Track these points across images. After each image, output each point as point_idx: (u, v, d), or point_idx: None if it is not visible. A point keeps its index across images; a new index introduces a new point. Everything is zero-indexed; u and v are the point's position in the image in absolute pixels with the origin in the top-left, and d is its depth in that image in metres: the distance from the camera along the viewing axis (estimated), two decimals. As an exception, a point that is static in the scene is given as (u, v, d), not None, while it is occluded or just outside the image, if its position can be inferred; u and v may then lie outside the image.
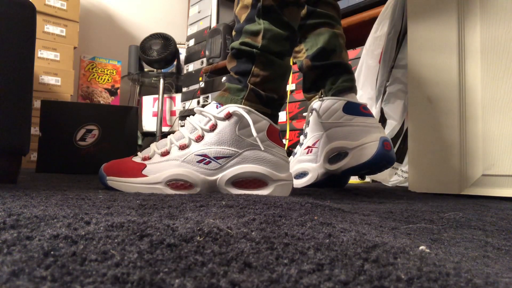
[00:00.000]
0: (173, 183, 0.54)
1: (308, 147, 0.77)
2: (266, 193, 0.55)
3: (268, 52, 0.58)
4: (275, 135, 0.57)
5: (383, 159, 0.64)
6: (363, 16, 1.33)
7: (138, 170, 0.55)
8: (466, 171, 0.79)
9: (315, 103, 0.75)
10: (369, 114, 0.69)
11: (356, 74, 1.14)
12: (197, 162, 0.55)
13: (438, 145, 0.83)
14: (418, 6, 0.88)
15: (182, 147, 0.55)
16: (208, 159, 0.55)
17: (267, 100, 0.58)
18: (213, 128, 0.55)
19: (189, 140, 0.55)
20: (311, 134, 0.77)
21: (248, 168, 0.55)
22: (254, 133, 0.54)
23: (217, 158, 0.55)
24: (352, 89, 0.74)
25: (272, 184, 0.56)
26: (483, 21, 0.78)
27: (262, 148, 0.55)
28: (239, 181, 0.55)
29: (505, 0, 0.75)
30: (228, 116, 0.55)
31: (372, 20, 1.14)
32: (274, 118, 0.60)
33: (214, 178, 0.55)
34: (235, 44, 0.59)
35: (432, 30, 0.85)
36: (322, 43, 0.76)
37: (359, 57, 1.16)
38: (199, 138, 0.55)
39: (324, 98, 0.72)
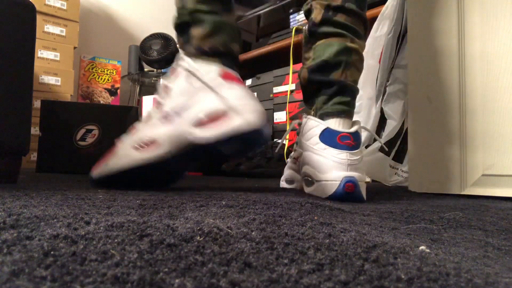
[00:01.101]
0: (139, 145, 0.57)
1: (295, 158, 0.76)
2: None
3: (197, 12, 0.61)
4: (230, 76, 0.57)
5: (343, 200, 0.58)
6: (363, 16, 1.33)
7: (110, 152, 0.61)
8: (466, 171, 0.79)
9: (304, 118, 0.70)
10: (346, 147, 0.61)
11: (356, 74, 1.14)
12: (161, 122, 0.58)
13: (438, 145, 0.83)
14: (418, 6, 0.88)
15: (146, 120, 0.60)
16: (169, 116, 0.57)
17: (212, 53, 0.60)
18: (168, 90, 0.59)
19: (151, 113, 0.60)
20: (297, 147, 0.73)
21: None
22: (200, 76, 0.57)
23: (176, 112, 0.57)
24: (342, 114, 0.64)
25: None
26: (483, 23, 0.78)
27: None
28: (201, 121, 0.55)
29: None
30: (176, 74, 0.59)
31: (372, 20, 1.14)
32: (228, 64, 0.59)
33: (176, 127, 0.56)
34: (173, 23, 0.64)
35: (432, 30, 0.85)
36: (326, 56, 0.67)
37: (359, 57, 1.16)
38: (159, 105, 0.59)
39: (309, 116, 0.66)
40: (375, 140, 1.03)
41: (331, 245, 0.25)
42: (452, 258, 0.26)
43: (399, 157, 1.04)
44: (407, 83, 0.91)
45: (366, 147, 1.02)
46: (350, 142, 0.60)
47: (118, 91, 2.33)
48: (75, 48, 1.98)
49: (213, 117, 0.54)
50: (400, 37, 1.03)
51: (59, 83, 1.90)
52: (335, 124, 0.62)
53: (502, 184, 0.74)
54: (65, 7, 1.93)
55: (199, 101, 0.56)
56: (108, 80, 2.29)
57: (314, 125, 0.63)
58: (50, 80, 1.87)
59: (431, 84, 0.84)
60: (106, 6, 2.44)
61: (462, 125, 0.80)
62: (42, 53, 1.87)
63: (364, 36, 0.70)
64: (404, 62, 1.02)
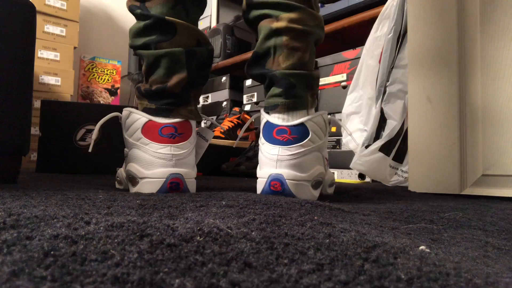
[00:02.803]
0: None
1: None
2: (134, 191, 0.57)
3: (136, 49, 0.60)
4: (152, 130, 0.56)
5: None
6: (363, 16, 1.33)
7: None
8: (466, 171, 0.79)
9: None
10: (279, 142, 0.55)
11: (356, 74, 1.14)
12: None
13: (438, 145, 0.83)
14: (418, 6, 0.88)
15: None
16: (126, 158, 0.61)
17: (149, 94, 0.58)
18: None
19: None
20: None
21: (128, 167, 0.58)
22: (124, 133, 0.59)
23: (125, 158, 0.61)
24: (276, 107, 0.57)
25: (140, 181, 0.56)
26: (483, 23, 0.78)
27: (138, 145, 0.57)
28: (130, 178, 0.58)
29: None
30: (122, 122, 0.60)
31: (372, 20, 1.14)
32: (165, 111, 0.57)
33: (123, 175, 0.61)
34: None
35: (432, 29, 0.85)
36: (256, 46, 0.60)
37: (359, 57, 1.16)
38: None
39: (261, 108, 0.62)
40: (375, 139, 1.03)
41: (331, 245, 0.25)
42: (452, 258, 0.26)
43: (399, 157, 1.04)
44: (407, 83, 0.91)
45: (366, 147, 1.02)
46: (282, 137, 0.55)
47: (118, 91, 2.33)
48: (75, 48, 1.98)
49: (131, 179, 0.58)
50: (400, 37, 1.03)
51: (59, 83, 1.90)
52: (273, 117, 0.57)
53: (502, 184, 0.74)
54: (65, 7, 1.93)
55: (131, 157, 0.58)
56: (108, 80, 2.28)
57: (261, 118, 0.60)
58: (50, 80, 1.87)
59: (431, 84, 0.85)
60: (106, 6, 2.44)
61: (462, 125, 0.80)
62: (42, 53, 1.87)
63: (302, 3, 0.58)
64: (404, 62, 1.02)
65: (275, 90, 0.58)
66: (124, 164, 0.62)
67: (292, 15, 0.57)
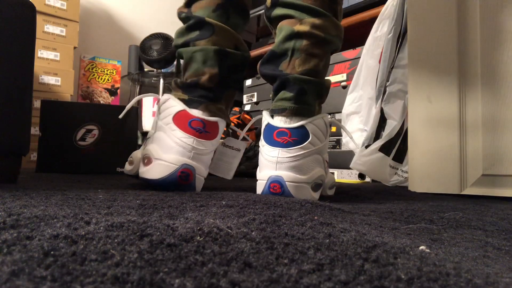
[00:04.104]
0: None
1: None
2: (144, 169, 0.58)
3: (177, 47, 0.64)
4: (182, 120, 0.58)
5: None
6: (363, 16, 1.33)
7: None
8: (466, 171, 0.79)
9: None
10: (279, 144, 0.55)
11: (356, 74, 1.14)
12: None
13: (438, 145, 0.83)
14: (418, 6, 0.88)
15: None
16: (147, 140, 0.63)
17: (184, 86, 0.62)
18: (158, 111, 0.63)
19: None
20: None
21: (148, 147, 0.60)
22: (156, 116, 0.61)
23: (146, 139, 0.64)
24: (283, 112, 0.56)
25: (154, 161, 0.58)
26: (483, 23, 0.78)
27: (165, 128, 0.58)
28: (145, 157, 0.60)
29: None
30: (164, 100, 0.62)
31: (372, 20, 1.14)
32: (196, 103, 0.60)
33: (139, 156, 0.62)
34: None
35: (432, 29, 0.85)
36: (274, 45, 0.60)
37: (359, 57, 1.16)
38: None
39: (263, 110, 0.61)
40: (375, 139, 1.03)
41: (331, 245, 0.25)
42: (452, 258, 0.26)
43: (399, 157, 1.04)
44: (407, 83, 0.91)
45: (366, 147, 1.02)
46: (282, 139, 0.55)
47: (118, 91, 2.33)
48: (75, 48, 1.98)
49: (145, 159, 0.59)
50: (400, 37, 1.03)
51: (59, 83, 1.90)
52: (275, 120, 0.57)
53: (502, 184, 0.74)
54: (65, 7, 1.93)
55: (153, 139, 0.60)
56: (108, 80, 2.28)
57: (263, 120, 0.60)
58: (50, 80, 1.87)
59: (431, 84, 0.84)
60: (106, 6, 2.44)
61: (462, 125, 0.80)
62: (42, 53, 1.87)
63: (328, 11, 0.58)
64: (404, 62, 1.02)
65: (285, 94, 0.57)
66: (143, 146, 0.64)
67: (316, 21, 0.57)
